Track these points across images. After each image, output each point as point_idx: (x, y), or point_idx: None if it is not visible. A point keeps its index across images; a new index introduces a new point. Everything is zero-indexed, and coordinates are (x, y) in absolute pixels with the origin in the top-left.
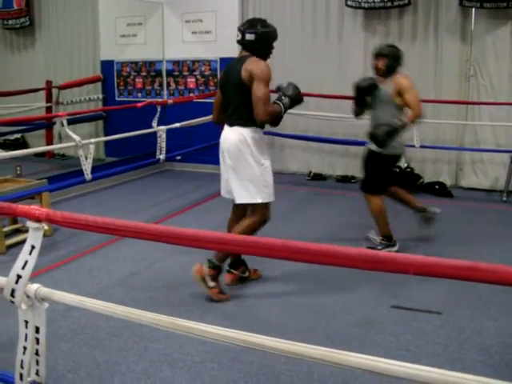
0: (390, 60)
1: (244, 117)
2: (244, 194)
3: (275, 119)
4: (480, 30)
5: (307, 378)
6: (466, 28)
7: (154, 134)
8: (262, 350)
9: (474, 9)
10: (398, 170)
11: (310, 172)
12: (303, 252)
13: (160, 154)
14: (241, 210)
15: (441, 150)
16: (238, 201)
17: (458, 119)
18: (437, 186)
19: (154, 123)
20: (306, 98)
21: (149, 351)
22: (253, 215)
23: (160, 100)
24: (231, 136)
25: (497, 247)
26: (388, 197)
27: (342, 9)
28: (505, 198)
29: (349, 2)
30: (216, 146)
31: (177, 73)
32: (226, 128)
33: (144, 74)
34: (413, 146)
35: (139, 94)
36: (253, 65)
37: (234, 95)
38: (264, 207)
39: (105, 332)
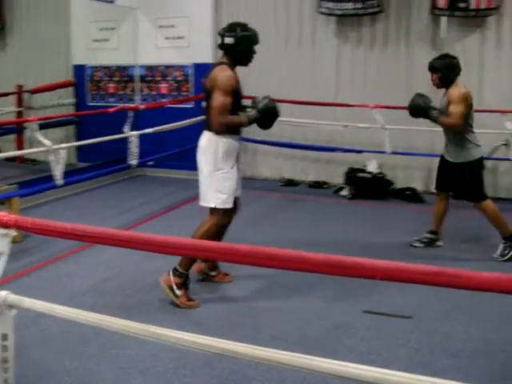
0: (442, 72)
1: (210, 122)
2: (201, 197)
3: (231, 129)
4: (450, 38)
5: (279, 383)
6: (436, 35)
7: (127, 139)
8: (233, 356)
9: (444, 17)
10: (369, 175)
11: (283, 178)
12: (271, 258)
13: (132, 159)
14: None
15: (412, 156)
16: (201, 203)
17: (429, 126)
18: (408, 192)
19: (126, 128)
20: (278, 104)
21: (120, 358)
22: (209, 219)
23: (132, 105)
24: (201, 140)
25: (473, 248)
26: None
27: (315, 16)
28: None
29: (321, 9)
30: (188, 151)
31: (150, 78)
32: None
33: (117, 78)
34: (384, 153)
35: (112, 99)
36: (217, 73)
37: (206, 100)
38: (220, 213)
39: (76, 339)
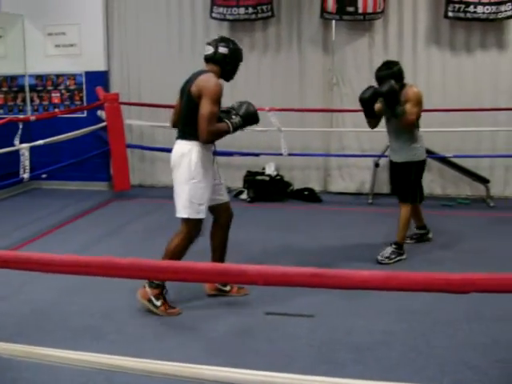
0: (394, 81)
1: (187, 130)
2: (178, 207)
3: (218, 138)
4: (340, 41)
5: None
6: (327, 39)
7: (17, 152)
8: (123, 371)
9: (334, 21)
10: (268, 178)
11: None
12: (155, 270)
13: (24, 172)
14: (217, 218)
15: (309, 157)
16: (177, 214)
17: (323, 127)
18: (306, 192)
19: (16, 141)
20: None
21: (17, 382)
22: (181, 230)
23: (22, 117)
24: (174, 149)
25: (362, 246)
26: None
27: (208, 21)
28: (370, 201)
29: (213, 15)
30: (84, 161)
31: (40, 88)
32: (175, 141)
33: (5, 89)
34: (281, 155)
35: (0, 111)
36: (205, 81)
37: (184, 108)
38: (191, 223)
39: None
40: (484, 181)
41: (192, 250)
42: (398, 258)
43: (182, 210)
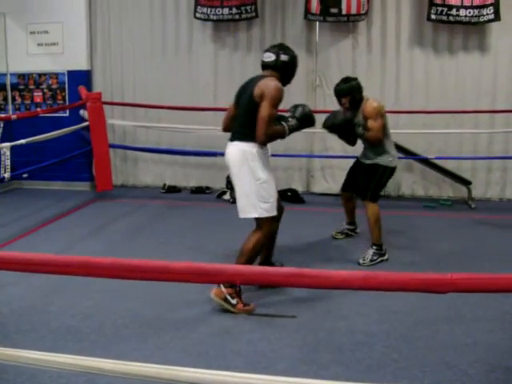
0: (351, 96)
1: (246, 132)
2: (241, 209)
3: (274, 139)
4: (324, 43)
5: None
6: (311, 40)
7: None
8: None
9: (317, 22)
10: None
11: (165, 185)
12: (135, 270)
13: (5, 172)
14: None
15: (292, 158)
16: (239, 215)
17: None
18: (289, 193)
19: None
20: (156, 111)
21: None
22: (256, 230)
23: (2, 115)
24: (231, 151)
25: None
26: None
27: (191, 21)
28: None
29: (197, 15)
30: (66, 161)
31: (22, 86)
32: (228, 143)
33: None
34: None
35: None
36: (268, 84)
37: (243, 110)
38: (265, 221)
39: None
40: (466, 182)
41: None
42: (380, 259)
43: (253, 211)
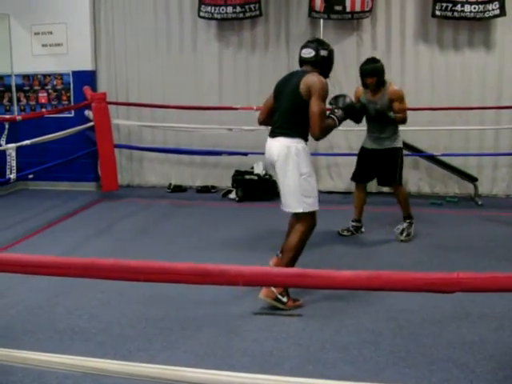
0: (379, 76)
1: (289, 127)
2: (287, 204)
3: (328, 133)
4: (328, 40)
5: None
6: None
7: (4, 152)
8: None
9: (322, 20)
10: (256, 177)
11: (170, 184)
12: (134, 271)
13: (10, 173)
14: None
15: None
16: (284, 209)
17: None
18: None
19: (3, 141)
20: (161, 110)
21: None
22: (299, 225)
23: (7, 117)
24: (275, 146)
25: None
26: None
27: (196, 20)
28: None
29: (201, 14)
30: (71, 161)
31: (27, 87)
32: (269, 139)
33: None
34: None
35: None
36: (313, 79)
37: (285, 106)
38: (308, 216)
39: None
40: (472, 179)
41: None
42: (413, 228)
43: (298, 206)
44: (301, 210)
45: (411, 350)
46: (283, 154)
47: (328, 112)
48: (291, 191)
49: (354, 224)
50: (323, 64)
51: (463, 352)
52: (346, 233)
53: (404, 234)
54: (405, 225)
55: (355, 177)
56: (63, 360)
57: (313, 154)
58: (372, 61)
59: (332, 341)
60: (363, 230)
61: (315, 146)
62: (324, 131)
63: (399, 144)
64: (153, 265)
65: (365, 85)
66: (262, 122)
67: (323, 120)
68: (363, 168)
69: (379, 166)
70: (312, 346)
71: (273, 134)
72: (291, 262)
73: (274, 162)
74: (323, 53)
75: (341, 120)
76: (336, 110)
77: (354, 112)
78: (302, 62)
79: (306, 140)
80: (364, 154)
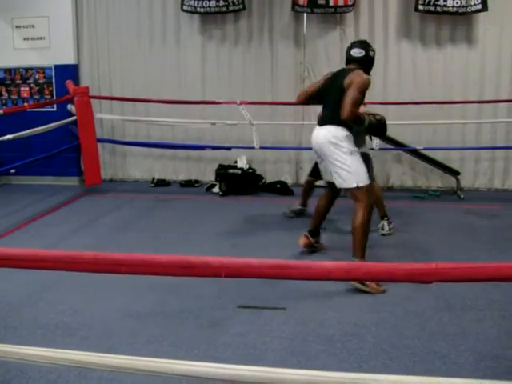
0: None
1: (336, 117)
2: (341, 181)
3: (355, 120)
4: (312, 34)
5: None
6: (298, 32)
7: None
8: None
9: (305, 14)
10: (240, 171)
11: (154, 178)
12: (116, 264)
13: None
14: (330, 192)
15: (281, 150)
16: (339, 186)
17: (295, 120)
18: (278, 185)
19: None
20: (144, 104)
21: None
22: (360, 203)
23: None
24: (322, 133)
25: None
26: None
27: (178, 14)
28: (342, 193)
29: (184, 7)
30: (54, 156)
31: (9, 81)
32: (317, 127)
33: None
34: (253, 148)
35: None
36: (358, 74)
37: (333, 98)
38: (363, 193)
39: None
40: (454, 173)
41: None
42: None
43: (354, 181)
44: (355, 185)
45: (394, 342)
46: (331, 140)
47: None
48: (346, 170)
49: (300, 207)
50: (369, 63)
51: (445, 343)
52: (291, 214)
53: (386, 229)
54: (385, 223)
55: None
56: (46, 353)
57: (296, 148)
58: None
59: (315, 333)
60: (306, 213)
61: (299, 140)
62: (353, 114)
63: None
64: (135, 257)
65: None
66: (298, 102)
67: (354, 105)
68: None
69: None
70: (295, 338)
71: (321, 123)
72: (364, 240)
73: (321, 145)
74: (371, 54)
75: (369, 124)
76: (372, 118)
77: (382, 130)
78: (350, 60)
79: (349, 128)
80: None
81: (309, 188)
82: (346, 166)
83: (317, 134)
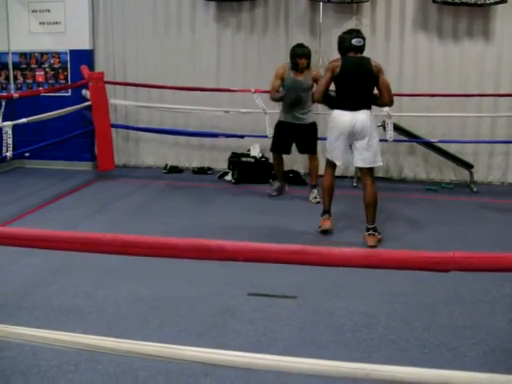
0: (310, 59)
1: (369, 101)
2: (371, 161)
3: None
4: (328, 24)
5: (165, 372)
6: (314, 21)
7: (0, 130)
8: (109, 352)
9: (321, 3)
10: (253, 160)
11: (167, 165)
12: (133, 245)
13: (7, 151)
14: (334, 170)
15: None
16: (369, 165)
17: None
18: (291, 175)
19: None
20: (159, 91)
21: None
22: (371, 180)
23: (4, 94)
24: (361, 117)
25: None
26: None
27: (195, 1)
28: (355, 184)
29: None
30: (69, 141)
31: (24, 65)
32: (351, 112)
33: None
34: (266, 137)
35: None
36: (377, 62)
37: (364, 85)
38: (373, 169)
39: None
40: (468, 166)
41: None
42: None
43: (379, 160)
44: (381, 163)
45: (404, 333)
46: (369, 122)
47: None
48: (375, 150)
49: (279, 184)
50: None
51: (455, 336)
52: (274, 193)
53: (317, 199)
54: (315, 191)
55: (276, 148)
56: (59, 336)
57: None
58: (304, 45)
59: (325, 323)
60: (286, 189)
61: None
62: (393, 99)
63: (314, 119)
64: (152, 239)
65: (296, 65)
66: (319, 102)
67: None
68: (284, 140)
69: (300, 137)
70: (305, 327)
71: (356, 108)
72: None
73: (360, 129)
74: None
75: None
76: None
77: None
78: (358, 49)
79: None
80: (285, 128)
81: (279, 164)
82: (377, 147)
83: (354, 117)
